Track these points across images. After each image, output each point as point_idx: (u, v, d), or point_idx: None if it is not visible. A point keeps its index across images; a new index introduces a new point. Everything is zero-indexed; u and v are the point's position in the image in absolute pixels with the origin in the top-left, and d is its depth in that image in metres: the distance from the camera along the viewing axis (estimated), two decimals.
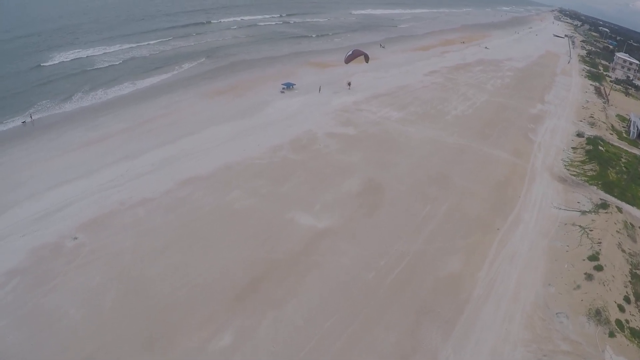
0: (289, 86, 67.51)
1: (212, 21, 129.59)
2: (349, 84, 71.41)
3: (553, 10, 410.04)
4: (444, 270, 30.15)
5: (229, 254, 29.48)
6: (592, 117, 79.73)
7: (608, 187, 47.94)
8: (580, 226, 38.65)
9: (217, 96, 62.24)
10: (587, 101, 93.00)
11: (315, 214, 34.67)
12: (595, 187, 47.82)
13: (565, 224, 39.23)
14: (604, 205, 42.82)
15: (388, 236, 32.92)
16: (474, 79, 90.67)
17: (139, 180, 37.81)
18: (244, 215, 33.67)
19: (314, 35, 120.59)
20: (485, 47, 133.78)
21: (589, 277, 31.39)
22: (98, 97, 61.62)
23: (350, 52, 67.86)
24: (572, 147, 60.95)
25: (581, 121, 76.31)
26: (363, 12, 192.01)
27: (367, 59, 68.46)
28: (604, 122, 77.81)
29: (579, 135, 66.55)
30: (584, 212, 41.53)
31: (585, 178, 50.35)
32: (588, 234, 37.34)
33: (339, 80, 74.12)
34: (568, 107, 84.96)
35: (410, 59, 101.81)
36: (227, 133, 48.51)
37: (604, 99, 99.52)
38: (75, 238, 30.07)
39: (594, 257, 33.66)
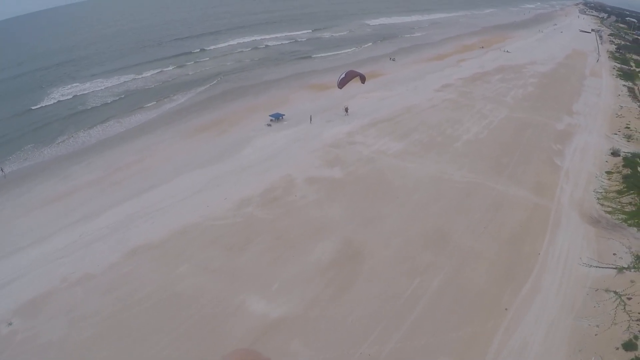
0: (277, 117, 61.30)
1: (218, 45, 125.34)
2: (346, 109, 64.62)
3: (577, 4, 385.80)
4: None
5: (158, 354, 23.96)
6: (628, 127, 69.25)
7: None
8: (615, 292, 30.43)
9: (198, 134, 57.20)
10: (621, 107, 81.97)
11: (271, 297, 28.15)
12: (635, 230, 38.58)
13: (597, 290, 30.97)
14: None
15: (356, 330, 25.80)
16: (491, 91, 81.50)
17: (88, 249, 33.32)
18: (186, 300, 27.77)
19: (320, 54, 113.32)
20: (506, 51, 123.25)
21: None
22: (80, 142, 58.66)
23: (343, 75, 60.69)
24: (606, 172, 51.50)
25: (615, 134, 66.33)
26: (378, 21, 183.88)
27: (362, 79, 61.38)
28: None
29: (614, 153, 56.93)
30: (620, 269, 32.98)
31: (623, 216, 41.25)
32: (625, 304, 29.22)
33: (337, 104, 67.47)
34: (600, 116, 74.57)
35: (421, 72, 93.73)
36: (197, 183, 43.07)
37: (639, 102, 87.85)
38: (10, 324, 26.77)
39: (630, 345, 25.57)
